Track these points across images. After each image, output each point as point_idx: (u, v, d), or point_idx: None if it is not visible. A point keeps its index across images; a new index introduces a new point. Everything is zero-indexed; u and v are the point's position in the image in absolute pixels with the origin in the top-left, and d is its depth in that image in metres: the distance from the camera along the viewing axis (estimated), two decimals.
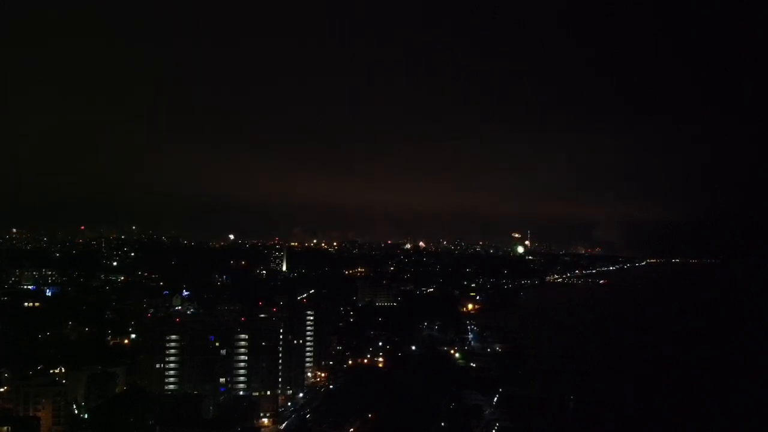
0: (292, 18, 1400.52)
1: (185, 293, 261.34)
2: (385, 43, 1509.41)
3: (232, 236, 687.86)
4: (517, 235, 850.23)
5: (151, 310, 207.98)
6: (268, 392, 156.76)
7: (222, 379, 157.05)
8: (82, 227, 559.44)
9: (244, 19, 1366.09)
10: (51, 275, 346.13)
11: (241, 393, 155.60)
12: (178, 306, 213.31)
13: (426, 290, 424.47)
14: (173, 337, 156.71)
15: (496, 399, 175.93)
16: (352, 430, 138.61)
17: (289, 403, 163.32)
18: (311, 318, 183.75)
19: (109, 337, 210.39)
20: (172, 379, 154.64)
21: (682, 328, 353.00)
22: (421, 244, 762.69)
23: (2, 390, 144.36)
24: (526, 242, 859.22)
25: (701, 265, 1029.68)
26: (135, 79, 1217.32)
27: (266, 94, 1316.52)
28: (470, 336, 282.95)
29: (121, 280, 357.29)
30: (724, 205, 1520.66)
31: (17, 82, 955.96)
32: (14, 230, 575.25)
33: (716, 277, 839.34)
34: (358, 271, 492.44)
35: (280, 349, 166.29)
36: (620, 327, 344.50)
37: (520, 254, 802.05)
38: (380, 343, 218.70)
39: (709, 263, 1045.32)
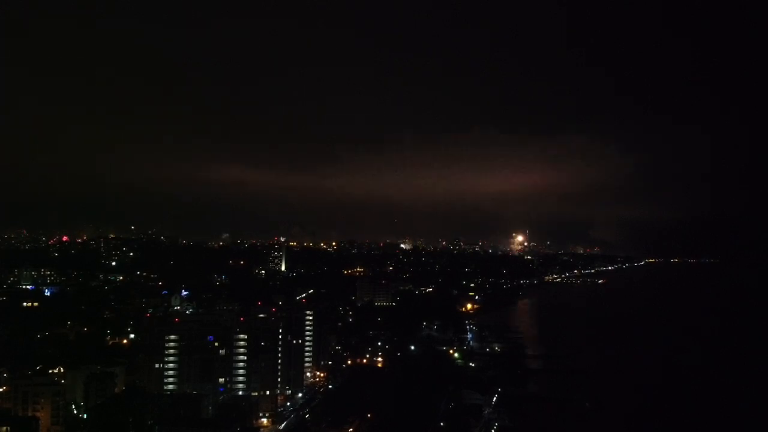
0: (288, 14, 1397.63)
1: (184, 293, 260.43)
2: (384, 41, 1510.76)
3: (230, 235, 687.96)
4: (517, 237, 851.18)
5: (150, 310, 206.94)
6: (267, 392, 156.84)
7: (221, 379, 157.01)
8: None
9: (243, 17, 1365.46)
10: (50, 275, 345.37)
11: (240, 393, 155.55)
12: (176, 306, 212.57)
13: (425, 290, 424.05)
14: (172, 337, 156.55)
15: (495, 398, 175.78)
16: (351, 429, 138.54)
17: (288, 403, 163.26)
18: (310, 318, 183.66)
19: (108, 337, 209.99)
20: (171, 379, 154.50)
21: (682, 327, 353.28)
22: (420, 243, 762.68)
23: (1, 390, 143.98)
24: (525, 242, 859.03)
25: (700, 265, 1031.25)
26: (136, 79, 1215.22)
27: (265, 93, 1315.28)
28: (469, 336, 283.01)
29: (120, 280, 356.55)
30: (722, 204, 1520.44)
31: (18, 80, 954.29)
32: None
33: (715, 276, 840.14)
34: (357, 271, 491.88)
35: (279, 349, 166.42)
36: (619, 326, 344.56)
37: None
38: (379, 343, 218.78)
39: (707, 263, 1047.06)
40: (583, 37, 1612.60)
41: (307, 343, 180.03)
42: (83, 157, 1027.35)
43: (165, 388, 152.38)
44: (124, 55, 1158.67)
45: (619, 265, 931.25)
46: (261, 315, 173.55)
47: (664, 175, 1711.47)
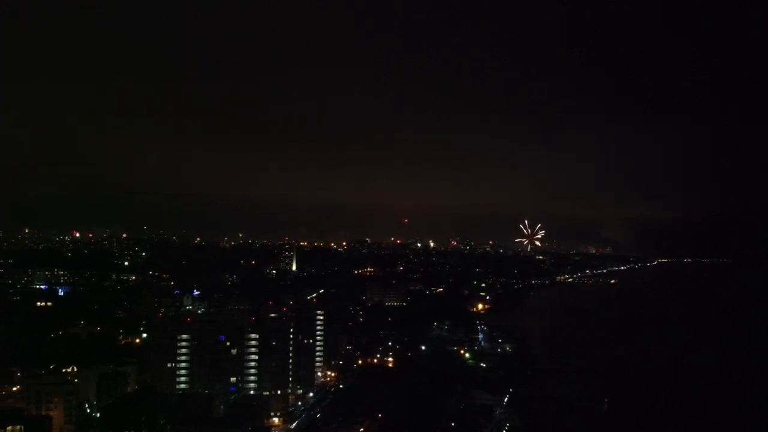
0: (288, 14, 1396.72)
1: (196, 293, 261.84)
2: (384, 41, 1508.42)
3: (241, 236, 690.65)
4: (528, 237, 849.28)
5: (162, 310, 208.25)
6: (278, 392, 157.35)
7: (232, 379, 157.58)
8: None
9: (243, 17, 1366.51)
10: (63, 275, 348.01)
11: (251, 392, 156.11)
12: (188, 305, 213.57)
13: (435, 290, 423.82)
14: (184, 336, 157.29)
15: (506, 399, 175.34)
16: (362, 429, 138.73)
17: (299, 403, 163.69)
18: (321, 318, 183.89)
19: (120, 337, 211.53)
20: (182, 379, 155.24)
21: (693, 327, 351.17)
22: (431, 243, 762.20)
23: (14, 389, 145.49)
24: (537, 242, 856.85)
25: (712, 265, 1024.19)
26: (142, 79, 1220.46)
27: (265, 93, 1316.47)
28: (480, 336, 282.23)
29: (132, 280, 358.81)
30: (735, 204, 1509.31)
31: (19, 81, 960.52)
32: (27, 230, 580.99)
33: (727, 276, 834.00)
34: (367, 271, 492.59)
35: (290, 348, 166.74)
36: (630, 326, 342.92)
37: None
38: (390, 343, 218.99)
39: (720, 263, 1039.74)
40: (583, 37, 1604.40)
41: (318, 343, 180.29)
42: (93, 158, 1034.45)
43: (177, 387, 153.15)
44: (124, 55, 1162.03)
45: (632, 265, 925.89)
46: (272, 315, 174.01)
47: (675, 175, 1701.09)
